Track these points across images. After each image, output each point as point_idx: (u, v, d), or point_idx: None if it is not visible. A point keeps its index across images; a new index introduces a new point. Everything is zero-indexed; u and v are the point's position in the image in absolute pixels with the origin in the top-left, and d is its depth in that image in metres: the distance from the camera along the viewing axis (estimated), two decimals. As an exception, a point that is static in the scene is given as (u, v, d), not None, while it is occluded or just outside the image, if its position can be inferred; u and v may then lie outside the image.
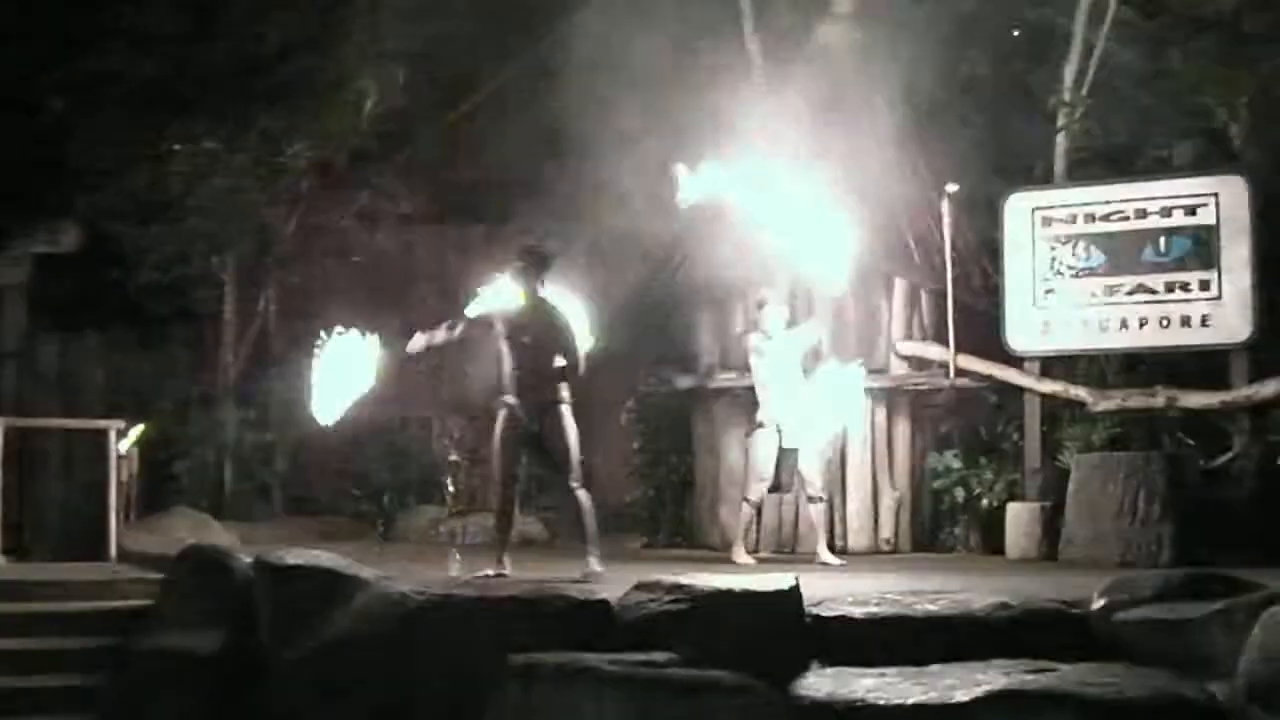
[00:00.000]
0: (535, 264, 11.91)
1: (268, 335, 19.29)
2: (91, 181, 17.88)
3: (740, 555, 13.78)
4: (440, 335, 12.15)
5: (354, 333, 12.00)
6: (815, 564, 13.37)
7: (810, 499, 13.86)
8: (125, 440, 14.82)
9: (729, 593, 8.79)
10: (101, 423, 14.46)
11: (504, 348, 11.88)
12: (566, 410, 11.78)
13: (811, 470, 13.76)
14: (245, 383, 18.89)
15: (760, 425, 13.86)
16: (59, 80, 17.41)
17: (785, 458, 13.73)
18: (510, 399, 11.80)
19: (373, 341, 12.01)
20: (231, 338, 18.85)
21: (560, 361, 11.74)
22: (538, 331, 11.75)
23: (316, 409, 12.18)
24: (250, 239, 18.60)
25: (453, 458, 17.19)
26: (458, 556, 12.02)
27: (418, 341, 12.20)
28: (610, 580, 9.85)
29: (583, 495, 11.75)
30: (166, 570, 10.94)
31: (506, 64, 21.88)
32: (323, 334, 12.09)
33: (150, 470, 16.56)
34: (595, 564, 11.47)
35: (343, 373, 12.00)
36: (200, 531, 14.72)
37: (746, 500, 13.98)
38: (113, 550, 13.69)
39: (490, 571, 11.38)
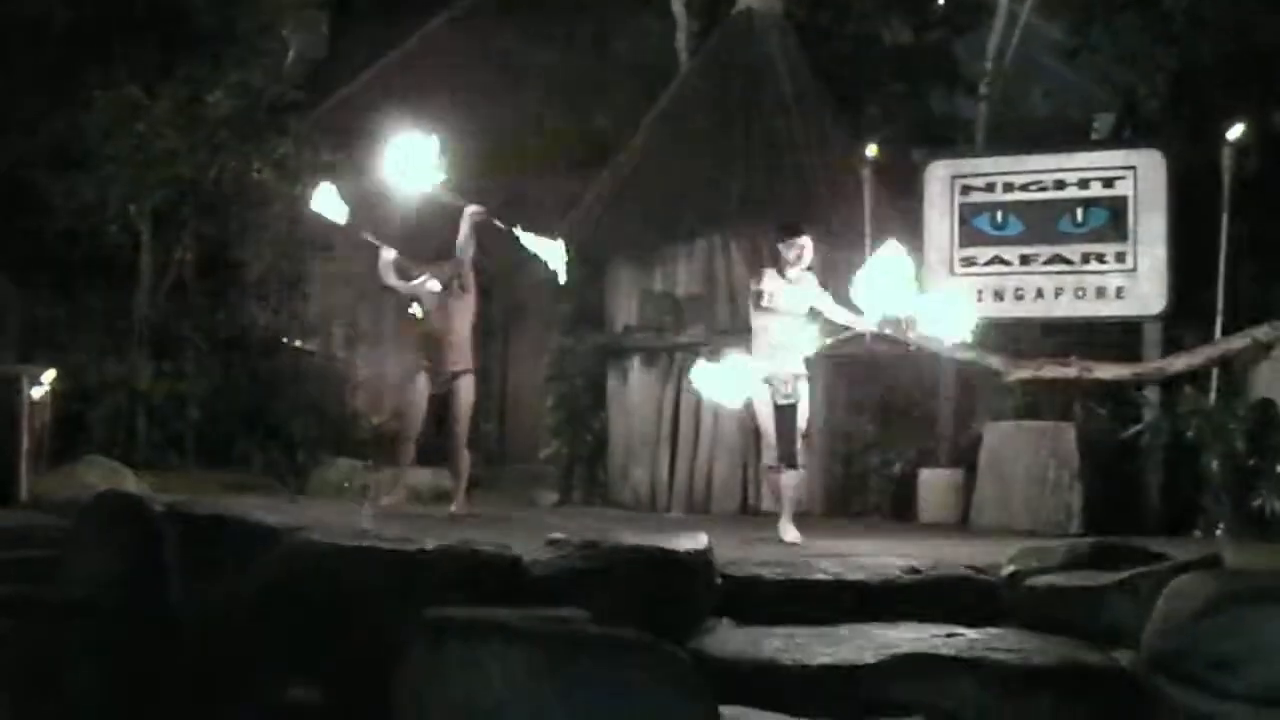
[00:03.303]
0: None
1: (185, 285, 19.15)
2: (7, 127, 17.74)
3: (788, 532, 12.10)
4: (403, 282, 13.88)
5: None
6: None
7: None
8: (39, 388, 14.71)
9: (640, 550, 8.81)
10: (14, 369, 14.35)
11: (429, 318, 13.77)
12: (469, 379, 13.76)
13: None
14: (160, 331, 18.74)
15: (761, 380, 12.21)
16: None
17: (785, 415, 12.22)
18: (425, 363, 13.73)
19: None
20: (147, 286, 18.72)
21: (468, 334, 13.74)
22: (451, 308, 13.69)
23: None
24: (168, 188, 18.46)
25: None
26: (369, 511, 12.07)
27: (388, 272, 13.88)
28: (522, 536, 9.86)
29: (464, 456, 13.76)
30: (76, 518, 10.86)
31: (429, 16, 21.89)
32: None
33: (63, 418, 16.44)
34: (455, 508, 13.48)
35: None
36: (112, 480, 14.59)
37: (769, 466, 12.52)
38: (23, 497, 13.60)
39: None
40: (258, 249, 19.39)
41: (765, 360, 12.17)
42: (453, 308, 13.69)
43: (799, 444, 12.26)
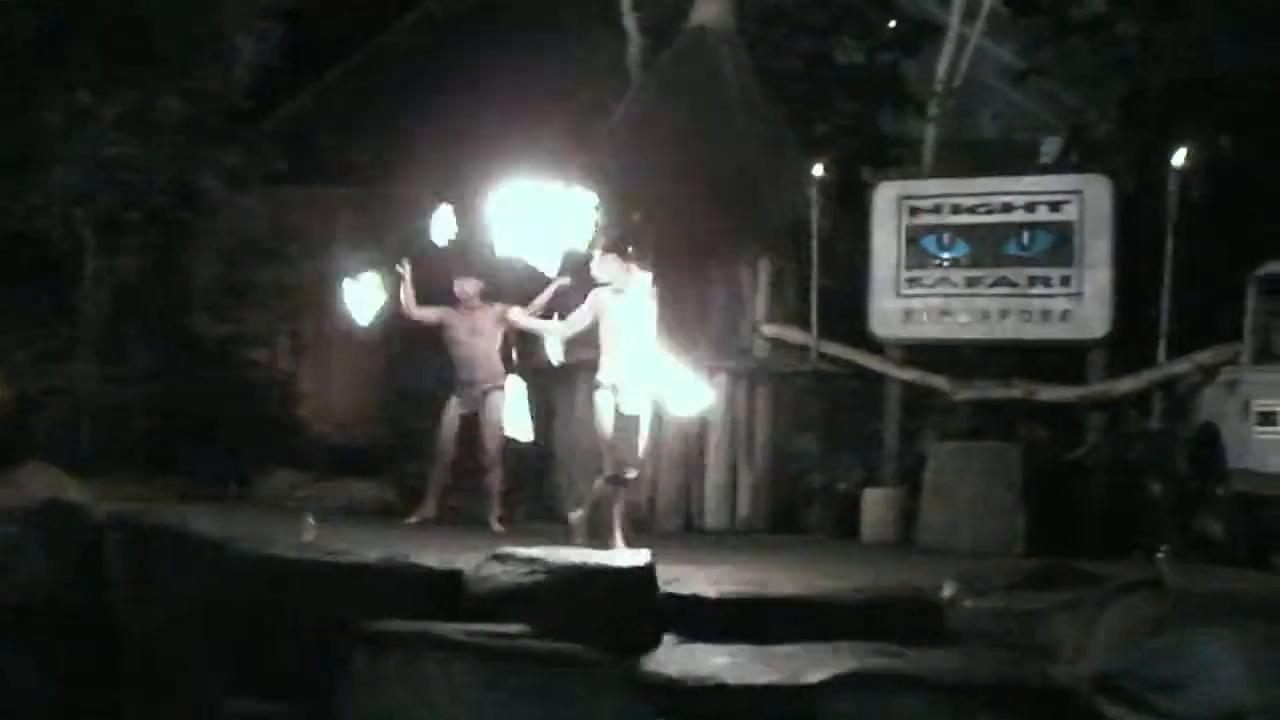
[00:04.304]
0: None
1: (131, 291, 19.01)
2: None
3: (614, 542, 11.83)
4: (426, 315, 14.13)
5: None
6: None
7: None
8: (-18, 393, 14.61)
9: (583, 567, 8.82)
10: (-44, 374, 14.27)
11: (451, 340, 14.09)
12: (498, 395, 13.97)
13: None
14: (106, 338, 18.59)
15: (598, 386, 12.22)
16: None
17: (626, 425, 12.03)
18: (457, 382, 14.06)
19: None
20: (91, 292, 18.58)
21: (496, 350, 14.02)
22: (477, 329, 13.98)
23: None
24: (115, 192, 18.33)
25: None
26: (312, 522, 12.01)
27: (412, 307, 14.01)
28: (466, 551, 9.84)
29: (497, 471, 14.09)
30: (18, 526, 10.79)
31: (383, 27, 21.84)
32: None
33: (5, 424, 16.32)
34: (495, 525, 13.85)
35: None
36: (55, 487, 14.51)
37: (617, 479, 12.25)
38: (-35, 504, 13.52)
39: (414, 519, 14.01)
40: (205, 257, 19.30)
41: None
42: (480, 324, 14.01)
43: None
